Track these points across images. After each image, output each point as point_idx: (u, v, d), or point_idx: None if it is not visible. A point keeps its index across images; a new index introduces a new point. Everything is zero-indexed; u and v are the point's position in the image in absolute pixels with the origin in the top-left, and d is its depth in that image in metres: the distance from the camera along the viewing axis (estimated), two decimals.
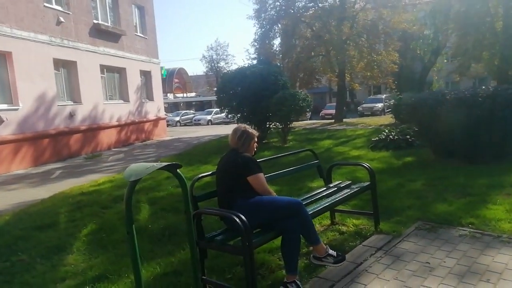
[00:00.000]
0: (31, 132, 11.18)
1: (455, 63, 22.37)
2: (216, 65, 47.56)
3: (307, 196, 3.73)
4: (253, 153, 3.24)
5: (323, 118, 26.67)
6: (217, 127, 27.29)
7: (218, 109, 34.60)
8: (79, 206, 5.99)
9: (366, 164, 4.02)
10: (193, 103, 46.79)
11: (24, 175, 9.89)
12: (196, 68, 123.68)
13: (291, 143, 12.62)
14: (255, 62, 35.60)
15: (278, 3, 21.71)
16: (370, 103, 27.89)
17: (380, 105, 27.19)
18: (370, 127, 17.14)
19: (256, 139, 3.25)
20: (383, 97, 28.44)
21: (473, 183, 5.24)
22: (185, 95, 47.47)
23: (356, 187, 3.92)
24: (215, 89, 49.01)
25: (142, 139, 17.09)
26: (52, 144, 11.94)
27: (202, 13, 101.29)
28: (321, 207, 3.34)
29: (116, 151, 14.13)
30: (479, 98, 6.35)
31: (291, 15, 21.04)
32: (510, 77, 17.90)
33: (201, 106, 45.99)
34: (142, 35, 17.82)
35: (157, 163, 2.39)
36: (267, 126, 13.48)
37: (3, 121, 10.18)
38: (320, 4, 20.67)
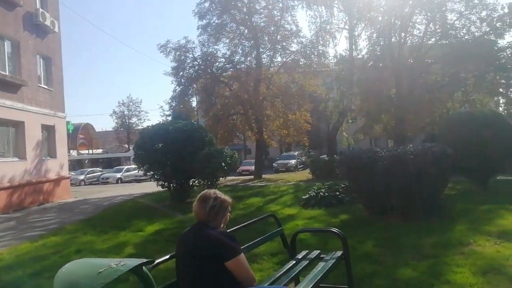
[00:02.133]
0: None
1: (359, 124, 24.64)
2: (127, 121, 45.43)
3: (279, 276, 3.12)
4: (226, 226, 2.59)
5: (240, 174, 26.54)
6: (128, 185, 25.21)
7: (129, 167, 32.58)
8: None
9: (336, 230, 3.62)
10: (100, 160, 43.22)
11: None
12: (105, 123, 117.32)
13: None
14: (169, 119, 35.04)
15: (197, 63, 21.94)
16: (284, 160, 28.83)
17: (293, 161, 28.28)
18: (290, 183, 17.33)
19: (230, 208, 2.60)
20: (296, 154, 29.74)
21: (423, 243, 5.20)
22: (90, 151, 43.78)
23: (329, 258, 3.45)
24: (127, 145, 46.18)
25: (40, 202, 14.65)
26: None
27: (114, 67, 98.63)
28: None
29: (4, 218, 11.70)
30: (411, 156, 6.63)
31: (210, 75, 21.33)
32: (406, 137, 20.18)
33: (109, 163, 42.63)
34: (46, 87, 16.04)
35: (115, 261, 1.64)
36: (191, 184, 12.67)
37: None
38: (238, 66, 21.40)
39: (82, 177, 27.92)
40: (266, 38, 21.67)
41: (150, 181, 27.63)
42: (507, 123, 10.13)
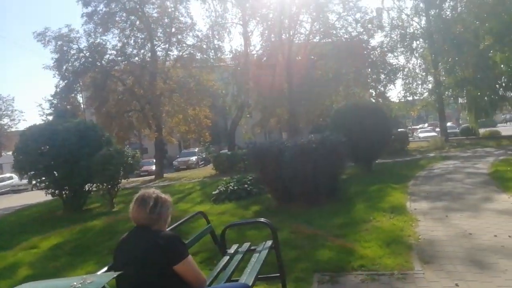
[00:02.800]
0: None
1: (255, 118, 25.62)
2: None
3: (217, 274, 3.09)
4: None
5: (139, 175, 25.22)
6: (4, 197, 21.83)
7: (3, 176, 28.13)
8: None
9: (265, 220, 3.73)
10: None
11: None
12: None
13: (119, 206, 11.14)
14: (51, 118, 31.31)
15: (83, 54, 20.06)
16: (184, 157, 28.33)
17: (194, 158, 27.99)
18: (195, 180, 17.18)
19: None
20: (196, 150, 29.50)
21: (332, 224, 5.71)
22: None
23: (262, 249, 3.54)
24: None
25: None
26: None
27: None
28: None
29: None
30: (313, 145, 7.19)
31: (99, 68, 19.71)
32: (299, 129, 21.75)
33: None
34: None
35: (77, 279, 1.47)
36: (87, 190, 11.59)
37: None
38: (131, 59, 20.22)
39: None
40: (160, 30, 20.95)
41: (33, 190, 24.56)
42: (383, 113, 11.73)
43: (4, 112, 40.22)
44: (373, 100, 22.35)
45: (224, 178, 11.85)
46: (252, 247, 3.69)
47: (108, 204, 10.98)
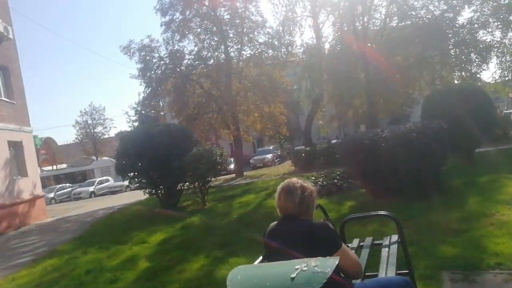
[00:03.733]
0: None
1: (329, 111, 25.06)
2: (92, 130, 43.40)
3: None
4: None
5: (218, 174, 26.21)
6: (103, 198, 24.21)
7: (101, 179, 31.22)
8: None
9: (390, 214, 3.52)
10: (62, 175, 40.91)
11: None
12: (64, 136, 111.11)
13: (210, 203, 11.62)
14: (136, 124, 33.86)
15: (163, 62, 21.29)
16: (260, 155, 28.73)
17: (270, 156, 28.23)
18: (275, 177, 17.30)
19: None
20: (271, 148, 29.75)
21: (447, 219, 5.28)
22: (54, 167, 41.52)
23: (390, 244, 3.35)
24: (94, 157, 44.11)
25: (17, 225, 13.66)
26: None
27: (73, 75, 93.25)
28: None
29: None
30: (413, 134, 6.73)
31: (179, 73, 20.77)
32: (379, 121, 20.74)
33: (72, 179, 40.47)
34: (8, 100, 14.93)
35: (299, 262, 1.49)
36: (179, 188, 12.27)
37: None
38: (207, 62, 20.99)
39: (51, 195, 26.37)
40: (232, 31, 21.37)
41: (126, 191, 26.84)
42: (486, 96, 10.61)
43: (97, 121, 44.51)
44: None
45: (304, 174, 11.70)
46: (375, 242, 3.53)
47: (200, 202, 11.50)
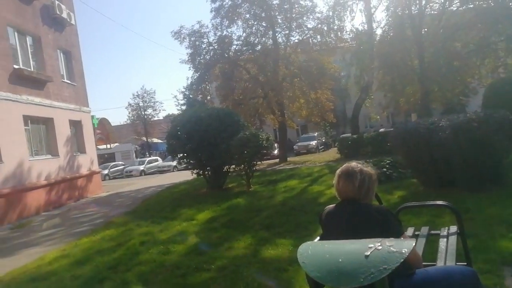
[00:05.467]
0: None
1: (377, 99, 24.21)
2: (143, 113, 45.38)
3: None
4: None
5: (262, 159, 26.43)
6: (152, 177, 25.35)
7: (150, 158, 32.71)
8: None
9: (448, 203, 3.40)
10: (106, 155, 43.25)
11: None
12: (118, 117, 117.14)
13: (255, 186, 11.79)
14: (184, 108, 34.81)
15: (212, 47, 21.59)
16: (304, 141, 28.51)
17: (314, 142, 27.91)
18: (320, 163, 17.16)
19: None
20: (315, 134, 29.40)
21: (508, 213, 4.99)
22: (108, 146, 43.96)
23: (448, 235, 3.24)
24: (144, 138, 45.85)
25: (76, 197, 14.78)
26: None
27: (125, 60, 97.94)
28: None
29: (48, 215, 11.82)
30: (474, 123, 6.37)
31: (227, 59, 21.00)
32: (432, 110, 19.72)
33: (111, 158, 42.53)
34: (70, 82, 15.98)
35: (372, 241, 1.51)
36: (226, 170, 12.56)
37: None
38: (254, 48, 21.01)
39: (106, 171, 28.12)
40: (281, 17, 21.17)
41: (173, 171, 27.87)
42: None
43: (148, 104, 46.39)
44: None
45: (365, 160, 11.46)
46: (432, 232, 3.43)
47: (245, 185, 11.71)
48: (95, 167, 17.27)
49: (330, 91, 21.78)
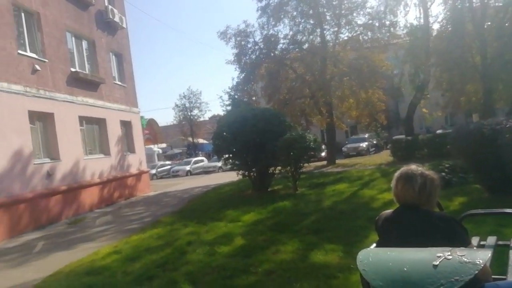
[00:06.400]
0: (5, 197, 9.35)
1: (433, 99, 22.83)
2: (189, 113, 46.59)
3: None
4: None
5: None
6: (198, 177, 25.77)
7: (197, 159, 33.39)
8: None
9: None
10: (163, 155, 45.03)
11: None
12: (165, 118, 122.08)
13: (302, 189, 11.47)
14: (229, 108, 35.17)
15: (258, 47, 21.48)
16: (354, 143, 27.52)
17: (364, 144, 26.83)
18: (370, 167, 16.43)
19: None
20: (366, 136, 28.31)
21: None
22: (156, 146, 45.65)
23: None
24: (190, 138, 46.97)
25: (126, 196, 15.31)
26: (29, 209, 10.08)
27: (172, 61, 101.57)
28: None
29: (100, 212, 12.32)
30: None
31: (273, 58, 20.79)
32: (496, 110, 18.22)
33: (170, 157, 44.13)
34: (121, 83, 16.63)
35: (439, 250, 1.34)
36: (271, 172, 12.35)
37: None
38: (302, 46, 20.61)
39: (153, 171, 29.07)
40: (329, 14, 20.52)
41: (218, 172, 28.20)
42: None
43: (194, 105, 47.52)
44: None
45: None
46: (500, 242, 3.00)
47: (292, 187, 11.42)
48: (144, 166, 17.82)
49: (382, 91, 20.79)
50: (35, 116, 11.13)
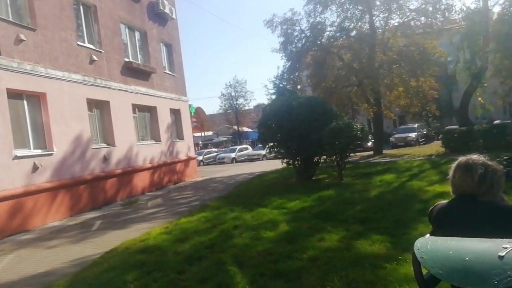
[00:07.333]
0: (67, 178, 10.16)
1: (491, 87, 21.34)
2: (235, 102, 47.25)
3: None
4: None
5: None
6: (243, 165, 26.18)
7: (241, 147, 33.92)
8: (147, 271, 4.76)
9: None
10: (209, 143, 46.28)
11: (61, 228, 8.74)
12: (210, 107, 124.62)
13: (347, 179, 11.32)
14: (273, 97, 35.18)
15: (304, 35, 21.18)
16: (402, 133, 26.50)
17: (413, 134, 25.73)
18: (419, 157, 15.80)
19: None
20: (416, 126, 27.13)
21: None
22: (203, 134, 46.83)
23: None
24: (236, 127, 47.69)
25: (175, 180, 15.97)
26: (88, 191, 10.89)
27: (218, 50, 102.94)
28: None
29: (151, 195, 12.99)
30: None
31: (319, 46, 20.42)
32: None
33: (216, 145, 45.14)
34: (170, 73, 17.21)
35: (499, 242, 1.31)
36: (316, 161, 12.30)
37: (37, 168, 9.19)
38: (350, 33, 20.04)
39: (200, 157, 29.98)
40: None
41: (262, 160, 28.43)
42: None
43: (239, 93, 48.06)
44: None
45: (457, 157, 10.27)
46: None
47: (337, 176, 11.32)
48: (192, 153, 18.43)
49: (434, 78, 19.75)
50: (92, 104, 11.89)
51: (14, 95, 9.02)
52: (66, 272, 5.22)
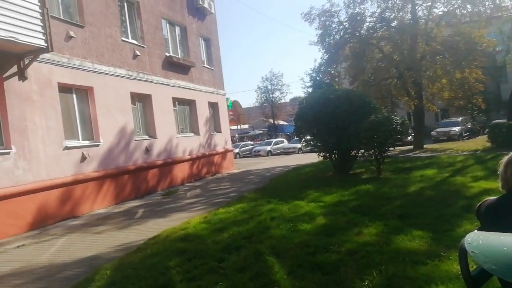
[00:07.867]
0: (113, 168, 10.71)
1: None
2: (271, 95, 47.21)
3: None
4: None
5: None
6: (278, 158, 26.24)
7: (277, 140, 33.98)
8: (188, 258, 4.96)
9: None
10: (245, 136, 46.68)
11: (107, 215, 9.25)
12: (246, 100, 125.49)
13: (386, 173, 11.09)
14: (310, 90, 34.81)
15: (343, 27, 20.76)
16: (445, 127, 25.38)
17: (457, 128, 24.57)
18: (463, 153, 15.14)
19: None
20: (460, 120, 25.90)
21: None
22: (239, 127, 47.28)
23: None
24: (272, 120, 47.76)
25: (212, 172, 16.34)
26: (131, 180, 11.41)
27: (255, 43, 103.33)
28: None
29: (190, 186, 13.39)
30: None
31: (358, 38, 19.94)
32: None
33: (252, 138, 45.39)
34: (209, 67, 17.51)
35: None
36: (353, 154, 12.12)
37: (85, 158, 9.76)
38: (391, 24, 19.40)
39: (237, 150, 30.33)
40: None
41: (298, 153, 28.35)
42: None
43: (276, 87, 47.87)
44: None
45: (504, 153, 9.74)
46: None
47: (375, 171, 11.11)
48: (229, 145, 18.74)
49: (481, 70, 18.71)
50: (135, 97, 12.37)
51: (64, 89, 9.59)
52: (113, 256, 5.55)
